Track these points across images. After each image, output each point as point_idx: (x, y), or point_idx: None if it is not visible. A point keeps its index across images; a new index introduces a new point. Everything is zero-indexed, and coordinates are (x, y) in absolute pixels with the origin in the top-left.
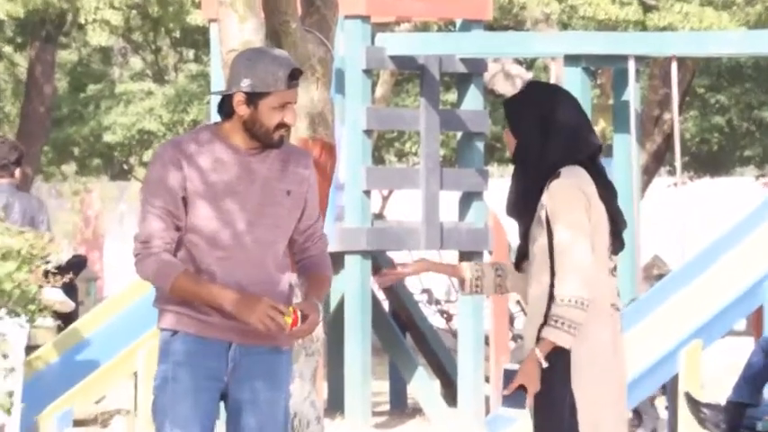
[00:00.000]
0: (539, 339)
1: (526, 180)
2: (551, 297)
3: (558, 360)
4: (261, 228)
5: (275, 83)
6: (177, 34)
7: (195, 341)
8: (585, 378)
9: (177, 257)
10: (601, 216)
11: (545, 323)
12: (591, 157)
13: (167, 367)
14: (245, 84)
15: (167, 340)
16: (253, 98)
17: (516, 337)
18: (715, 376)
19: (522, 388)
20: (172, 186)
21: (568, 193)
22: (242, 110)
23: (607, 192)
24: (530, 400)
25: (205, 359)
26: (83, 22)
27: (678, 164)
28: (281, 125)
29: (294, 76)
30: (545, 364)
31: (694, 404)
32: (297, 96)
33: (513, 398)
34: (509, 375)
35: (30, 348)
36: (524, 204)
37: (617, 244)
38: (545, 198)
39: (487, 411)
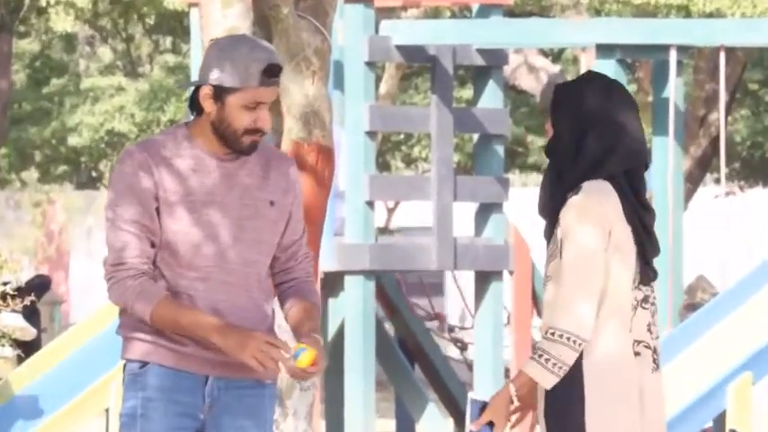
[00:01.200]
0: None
1: (556, 184)
2: None
3: (573, 411)
4: (242, 244)
5: (246, 78)
6: (152, 20)
7: (168, 374)
8: (604, 423)
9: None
10: (624, 239)
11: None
12: (627, 173)
13: (135, 403)
14: (214, 76)
15: (135, 373)
16: (220, 93)
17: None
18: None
19: (491, 424)
20: (143, 195)
21: (584, 213)
22: (208, 106)
23: (636, 213)
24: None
25: (179, 394)
26: (43, 5)
27: (722, 170)
28: (253, 130)
29: (271, 72)
30: (516, 403)
31: None
32: (273, 97)
33: None
34: (476, 407)
35: None
36: (552, 211)
37: (646, 273)
38: (561, 214)
39: None
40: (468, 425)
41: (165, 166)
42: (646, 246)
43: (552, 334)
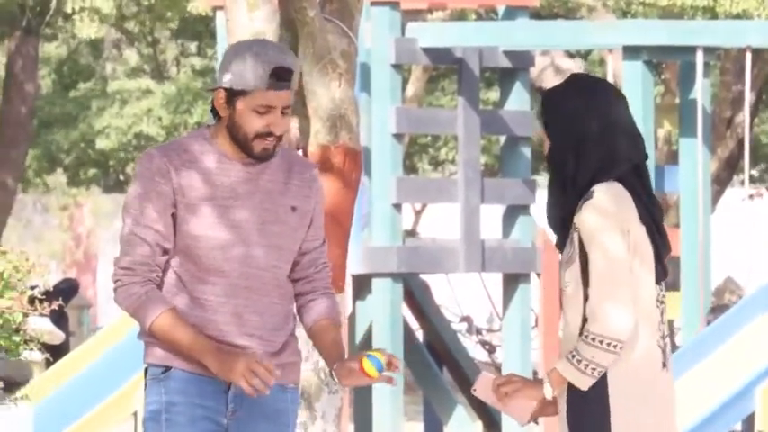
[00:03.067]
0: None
1: (561, 194)
2: (584, 324)
3: (596, 412)
4: (262, 249)
5: (254, 80)
6: (175, 24)
7: (191, 379)
8: (628, 426)
9: (165, 283)
10: (641, 239)
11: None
12: (634, 169)
13: (159, 407)
14: (226, 79)
15: (158, 377)
16: (231, 97)
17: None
18: None
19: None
20: (160, 202)
21: (603, 216)
22: (222, 110)
23: (648, 211)
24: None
25: (202, 399)
26: (69, 11)
27: (746, 172)
28: (265, 134)
29: (280, 75)
30: (549, 395)
31: None
32: (285, 101)
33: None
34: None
35: (14, 385)
36: (561, 221)
37: (659, 271)
38: (578, 219)
39: None
40: (474, 387)
41: (186, 169)
42: (660, 245)
43: (587, 337)
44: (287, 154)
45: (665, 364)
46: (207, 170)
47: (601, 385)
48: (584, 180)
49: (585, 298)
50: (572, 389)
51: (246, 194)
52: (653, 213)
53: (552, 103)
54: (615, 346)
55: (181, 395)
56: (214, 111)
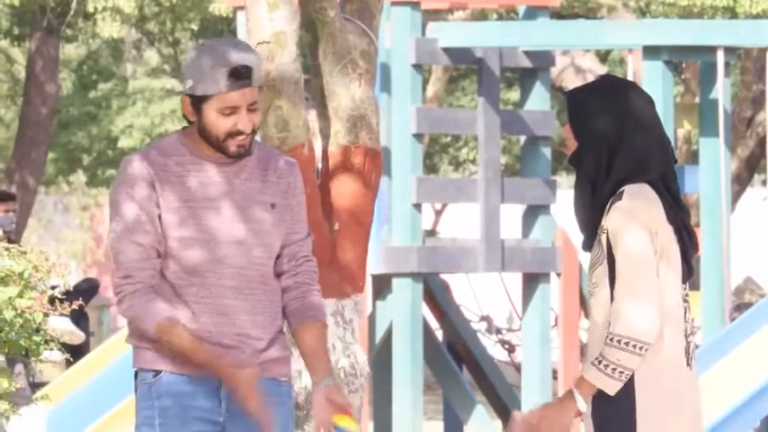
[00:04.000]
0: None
1: (590, 196)
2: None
3: (622, 413)
4: (244, 247)
5: (213, 84)
6: (196, 25)
7: (182, 381)
8: (655, 424)
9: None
10: (669, 241)
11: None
12: (661, 178)
13: (152, 413)
14: (188, 86)
15: (149, 382)
16: (196, 102)
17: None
18: None
19: None
20: (146, 205)
21: (632, 218)
22: (190, 115)
23: (676, 213)
24: None
25: (195, 400)
26: (90, 10)
27: None
28: (235, 133)
29: (239, 74)
30: (584, 409)
31: None
32: (250, 98)
33: None
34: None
35: (35, 386)
36: (589, 221)
37: (684, 270)
38: (606, 221)
39: None
40: None
41: (165, 173)
42: (687, 245)
43: (611, 340)
44: (264, 151)
45: (689, 363)
46: (185, 173)
47: (627, 384)
48: (614, 183)
49: (612, 299)
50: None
51: (225, 195)
52: (680, 214)
53: (581, 105)
54: (641, 348)
55: (173, 398)
56: (185, 115)
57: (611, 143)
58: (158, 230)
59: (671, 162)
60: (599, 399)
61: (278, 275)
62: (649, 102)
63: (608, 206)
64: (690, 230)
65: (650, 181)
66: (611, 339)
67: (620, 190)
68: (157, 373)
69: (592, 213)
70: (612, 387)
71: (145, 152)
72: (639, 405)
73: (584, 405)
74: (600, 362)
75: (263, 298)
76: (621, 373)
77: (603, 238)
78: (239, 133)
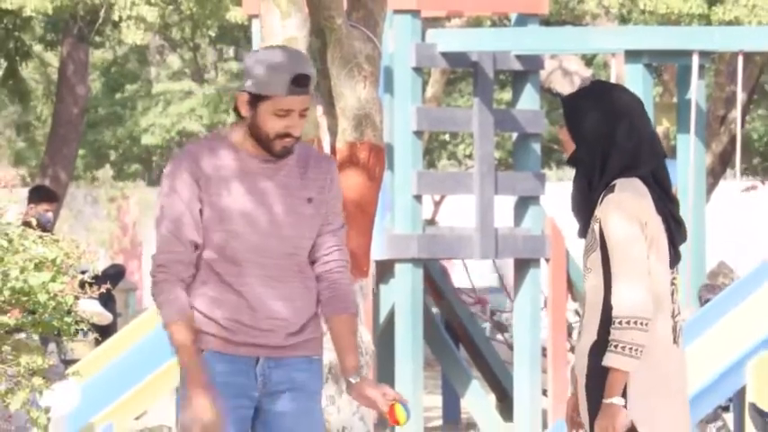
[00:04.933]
0: (590, 366)
1: (587, 190)
2: (605, 311)
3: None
4: (282, 239)
5: (274, 87)
6: (213, 32)
7: (221, 359)
8: (647, 403)
9: (199, 271)
10: (658, 231)
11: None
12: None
13: None
14: (249, 83)
15: None
16: (254, 100)
17: (574, 349)
18: None
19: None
20: (190, 201)
21: (622, 208)
22: (245, 111)
23: (665, 204)
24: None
25: (233, 377)
26: (117, 19)
27: (738, 166)
28: (284, 135)
29: (299, 81)
30: (622, 402)
31: (762, 417)
32: (303, 105)
33: None
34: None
35: (67, 363)
36: (585, 211)
37: (672, 257)
38: (599, 212)
39: (544, 426)
40: None
41: (211, 169)
42: (674, 233)
43: (620, 323)
44: (303, 149)
45: (675, 341)
46: (230, 168)
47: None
48: (609, 178)
49: (605, 282)
50: (590, 364)
51: (266, 190)
52: (669, 206)
53: (575, 109)
54: (644, 324)
55: (213, 376)
56: (236, 111)
57: (605, 142)
58: (199, 225)
59: (661, 157)
60: (592, 381)
61: (312, 263)
62: (638, 102)
63: (600, 198)
64: (678, 220)
65: (641, 176)
66: (619, 323)
67: (612, 183)
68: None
69: (588, 206)
70: (632, 365)
71: (192, 149)
72: (631, 387)
73: (621, 401)
74: (616, 347)
75: (299, 285)
76: (636, 350)
77: (596, 226)
78: (288, 135)
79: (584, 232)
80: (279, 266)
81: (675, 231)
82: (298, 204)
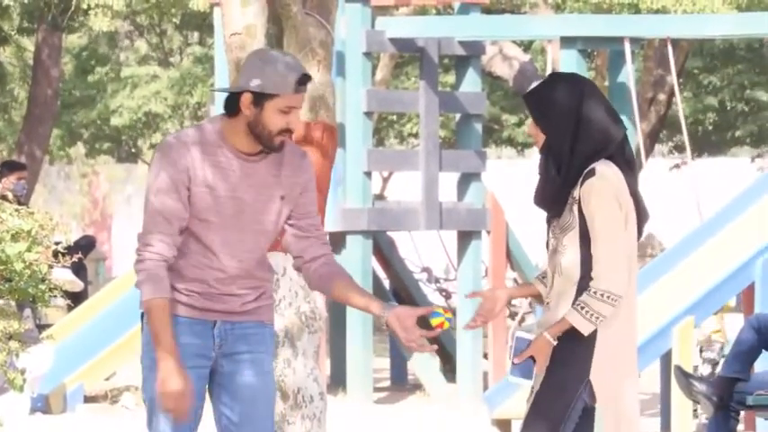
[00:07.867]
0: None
1: (558, 175)
2: (582, 285)
3: (582, 348)
4: (250, 234)
5: (284, 86)
6: (177, 19)
7: (182, 322)
8: (608, 369)
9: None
10: (630, 209)
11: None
12: (618, 145)
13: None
14: (255, 83)
15: None
16: (260, 99)
17: (513, 315)
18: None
19: (532, 358)
20: (178, 186)
21: (605, 192)
22: (248, 110)
23: (634, 184)
24: (537, 368)
25: (191, 338)
26: (85, 7)
27: (687, 143)
28: (285, 130)
29: (303, 80)
30: (554, 342)
31: (686, 378)
32: (302, 102)
33: (522, 367)
34: (521, 344)
35: (41, 327)
36: (557, 198)
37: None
38: (578, 193)
39: (485, 387)
40: (512, 357)
41: (198, 161)
42: (641, 211)
43: (595, 293)
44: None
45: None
46: (213, 162)
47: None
48: (579, 161)
49: (582, 258)
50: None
51: (244, 187)
52: (633, 184)
53: (540, 101)
54: (615, 300)
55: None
56: (228, 107)
57: (573, 127)
58: (186, 208)
59: (623, 129)
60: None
61: (304, 246)
62: (593, 85)
63: (581, 180)
64: (638, 198)
65: (612, 156)
66: (595, 293)
67: (591, 167)
68: None
69: (555, 188)
70: (588, 329)
71: (184, 137)
72: (600, 350)
73: (553, 340)
74: (583, 308)
75: (259, 273)
76: (598, 318)
77: (575, 207)
78: (288, 130)
79: (552, 215)
80: (247, 255)
81: (642, 209)
82: (271, 202)
